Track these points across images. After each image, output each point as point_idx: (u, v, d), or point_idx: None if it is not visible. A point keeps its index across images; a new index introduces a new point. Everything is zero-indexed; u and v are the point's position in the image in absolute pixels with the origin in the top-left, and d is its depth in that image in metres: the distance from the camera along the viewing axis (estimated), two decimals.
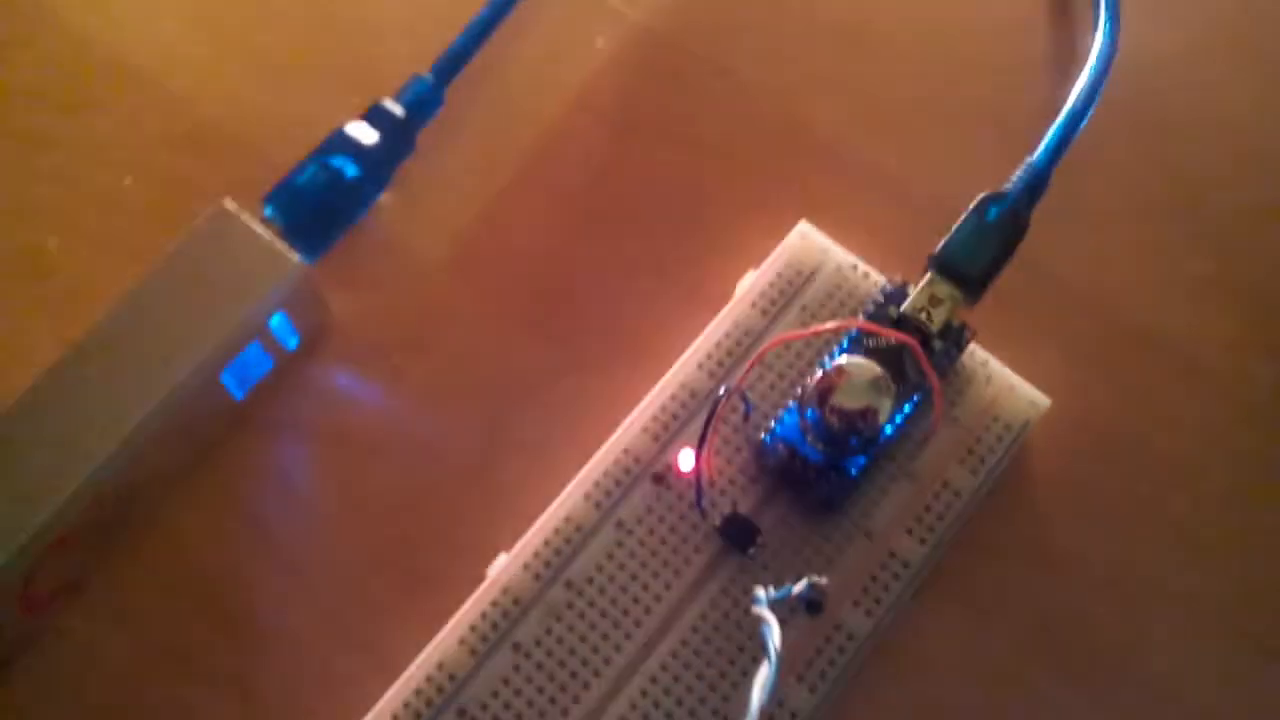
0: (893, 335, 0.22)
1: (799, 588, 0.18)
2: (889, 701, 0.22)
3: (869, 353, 0.22)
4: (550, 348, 0.25)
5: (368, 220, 0.25)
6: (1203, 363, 0.25)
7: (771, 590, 0.20)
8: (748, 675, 0.21)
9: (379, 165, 0.25)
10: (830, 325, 0.22)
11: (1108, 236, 0.26)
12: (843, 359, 0.21)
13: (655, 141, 0.27)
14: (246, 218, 0.23)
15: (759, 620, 0.18)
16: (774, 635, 0.16)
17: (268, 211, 0.23)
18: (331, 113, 0.25)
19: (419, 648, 0.21)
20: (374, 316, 0.25)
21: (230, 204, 0.23)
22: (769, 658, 0.15)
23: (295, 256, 0.22)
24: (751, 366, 0.22)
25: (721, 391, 0.21)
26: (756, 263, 0.24)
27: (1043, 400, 0.23)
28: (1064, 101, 0.25)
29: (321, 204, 0.24)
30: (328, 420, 0.24)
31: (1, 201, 0.25)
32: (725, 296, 0.24)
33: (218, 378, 0.22)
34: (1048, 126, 0.24)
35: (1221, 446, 0.24)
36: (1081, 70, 0.25)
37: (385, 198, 0.25)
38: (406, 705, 0.20)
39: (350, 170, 0.24)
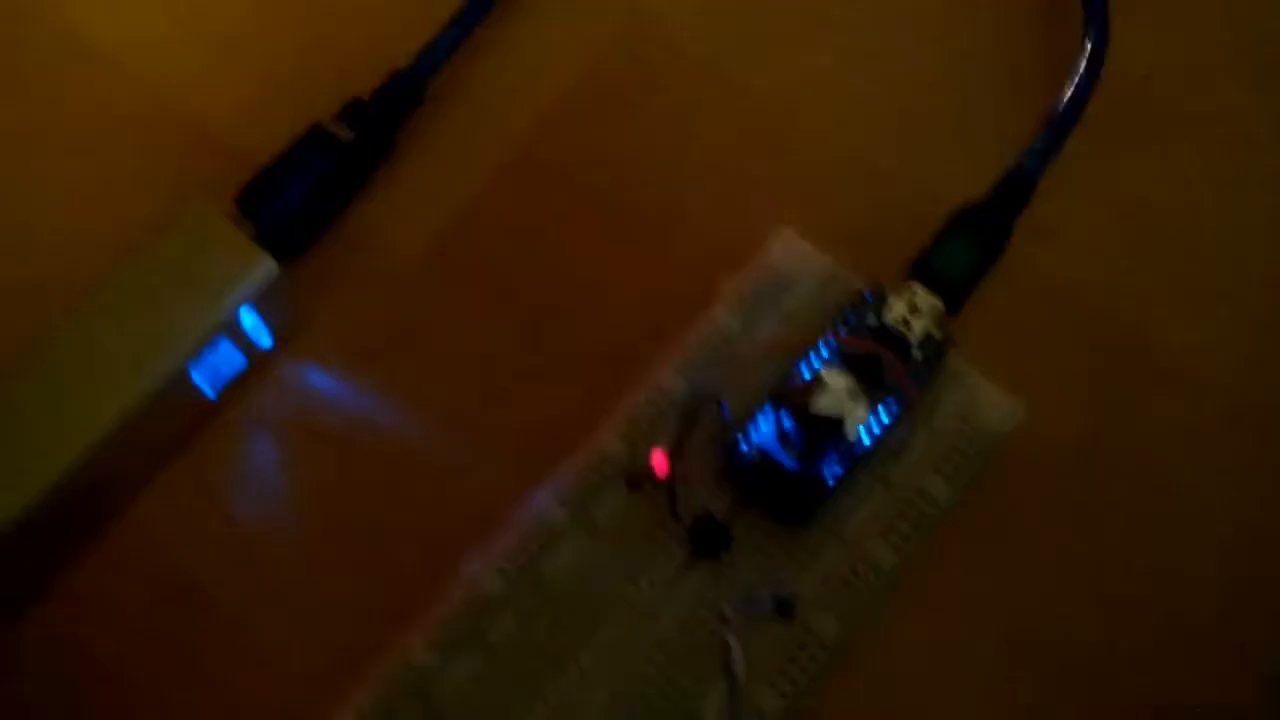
0: (870, 349, 0.22)
1: (766, 595, 0.18)
2: (860, 708, 0.22)
3: (847, 361, 0.22)
4: (527, 349, 0.24)
5: (345, 218, 0.25)
6: (1185, 372, 0.25)
7: (741, 597, 0.20)
8: (717, 681, 0.21)
9: (356, 163, 0.24)
10: (807, 338, 0.22)
11: (1090, 248, 0.26)
12: (820, 368, 0.21)
13: (638, 143, 0.26)
14: (218, 216, 0.22)
15: (723, 643, 0.18)
16: (738, 657, 0.16)
17: (240, 210, 0.23)
18: (307, 107, 0.25)
19: (389, 646, 0.21)
20: (350, 316, 0.25)
21: (201, 202, 0.22)
22: (731, 679, 0.15)
23: (267, 256, 0.22)
24: (729, 374, 0.22)
25: (698, 398, 0.21)
26: (736, 268, 0.24)
27: (1018, 410, 0.23)
28: (1052, 110, 0.24)
29: (296, 203, 0.23)
30: (302, 419, 0.24)
31: None
32: (705, 301, 0.24)
33: (189, 376, 0.22)
34: (1034, 135, 0.24)
35: (1203, 456, 0.24)
36: (1070, 79, 0.25)
37: (362, 196, 0.25)
38: (375, 703, 0.20)
39: (326, 168, 0.24)
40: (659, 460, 0.22)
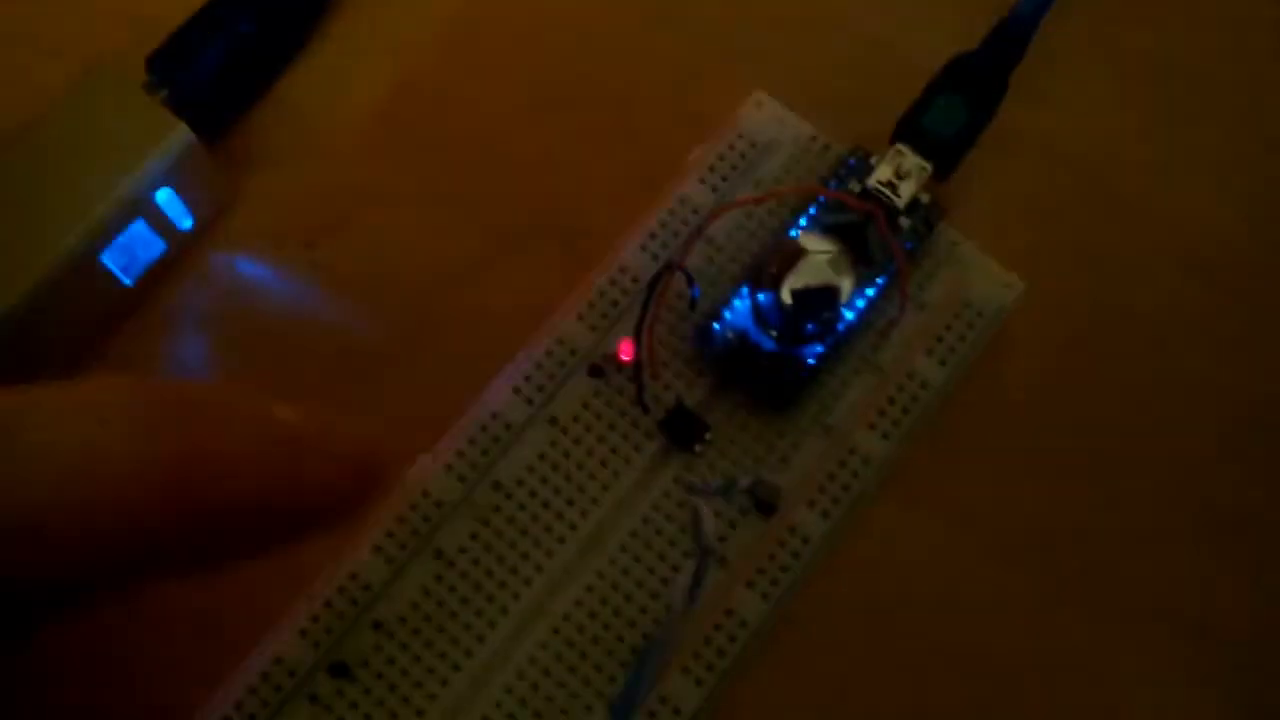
0: (856, 204, 0.19)
1: (744, 483, 0.16)
2: (846, 606, 0.20)
3: (828, 230, 0.20)
4: (478, 230, 0.22)
5: (274, 91, 0.23)
6: (1194, 248, 0.23)
7: (715, 482, 0.18)
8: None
9: (287, 23, 0.22)
10: (786, 189, 0.20)
11: (1089, 106, 0.24)
12: (798, 238, 0.19)
13: (601, 5, 0.24)
14: (128, 80, 0.20)
15: (693, 508, 0.16)
16: (708, 523, 0.14)
17: (151, 75, 0.21)
18: None
19: (331, 556, 0.19)
20: (282, 196, 0.22)
21: (106, 65, 0.20)
22: (698, 547, 0.13)
23: (181, 124, 0.20)
24: (696, 237, 0.20)
25: (662, 268, 0.19)
26: (705, 137, 0.22)
27: (1017, 284, 0.21)
28: None
29: (214, 66, 0.21)
30: (230, 308, 0.21)
31: None
32: (672, 174, 0.22)
33: (98, 259, 0.20)
34: None
35: (1210, 337, 0.22)
36: None
37: (293, 64, 0.23)
38: (316, 619, 0.18)
39: (248, 30, 0.21)
40: (626, 344, 0.20)
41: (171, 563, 0.12)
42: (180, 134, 0.20)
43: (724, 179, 0.21)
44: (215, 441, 0.12)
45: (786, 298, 0.19)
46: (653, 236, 0.21)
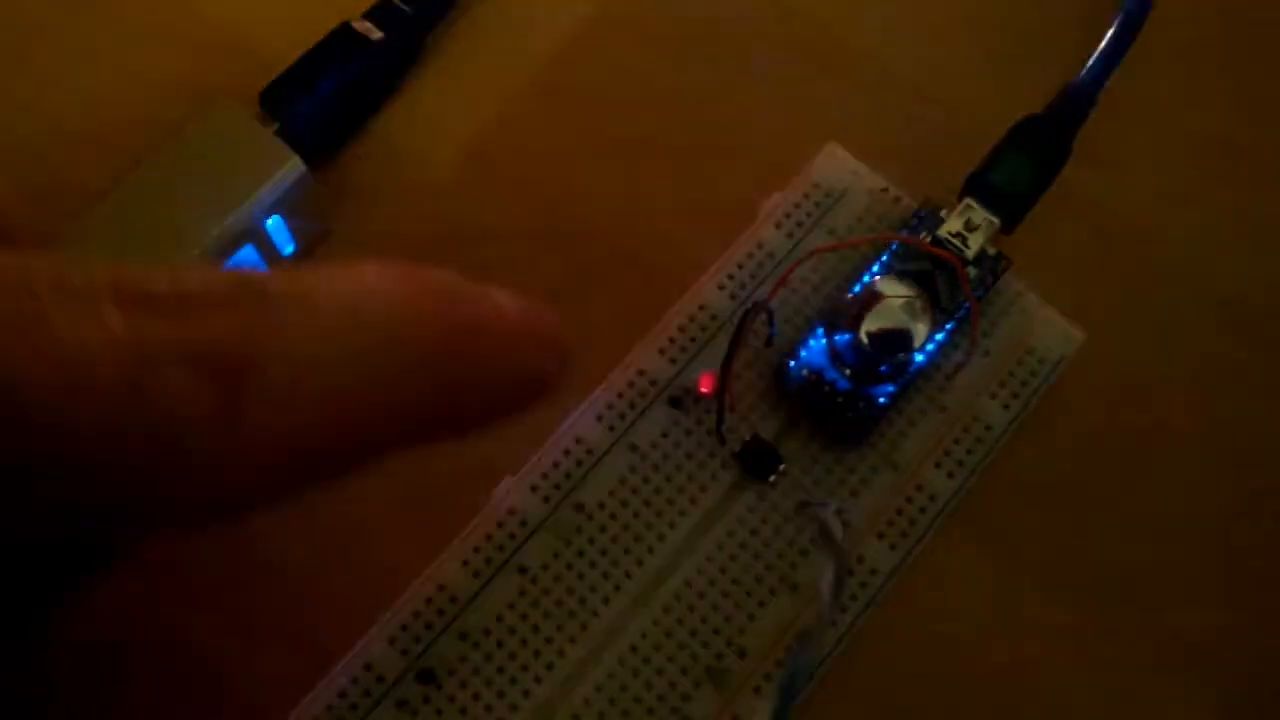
0: (935, 252, 0.20)
1: (829, 509, 0.17)
2: (908, 638, 0.21)
3: (901, 276, 0.21)
4: (563, 266, 0.23)
5: (371, 129, 0.24)
6: (1244, 307, 0.24)
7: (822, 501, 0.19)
8: (764, 605, 0.20)
9: (384, 67, 0.23)
10: (866, 238, 0.21)
11: (1152, 171, 0.25)
12: (877, 280, 0.20)
13: (680, 56, 0.25)
14: (244, 113, 0.21)
15: (817, 518, 0.17)
16: (836, 527, 0.15)
17: (264, 108, 0.22)
18: (333, 12, 0.24)
19: (419, 570, 0.20)
20: (376, 230, 0.23)
21: (227, 100, 0.21)
22: (833, 553, 0.14)
23: (294, 155, 0.21)
24: (782, 280, 0.21)
25: (749, 306, 0.20)
26: (781, 185, 0.23)
27: (1078, 335, 0.22)
28: (1109, 24, 0.23)
29: (321, 102, 0.22)
30: None
31: None
32: (747, 219, 0.23)
33: None
34: (1091, 50, 0.23)
35: (1263, 395, 0.23)
36: None
37: (390, 104, 0.24)
38: (405, 628, 0.19)
39: (354, 70, 0.23)
40: (706, 377, 0.21)
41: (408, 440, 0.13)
42: (293, 164, 0.21)
43: (799, 225, 0.23)
44: (471, 321, 0.13)
45: (864, 339, 0.20)
46: (730, 277, 0.22)
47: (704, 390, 0.21)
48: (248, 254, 0.21)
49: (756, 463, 0.21)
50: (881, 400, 0.21)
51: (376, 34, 0.23)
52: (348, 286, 0.12)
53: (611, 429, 0.21)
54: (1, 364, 0.10)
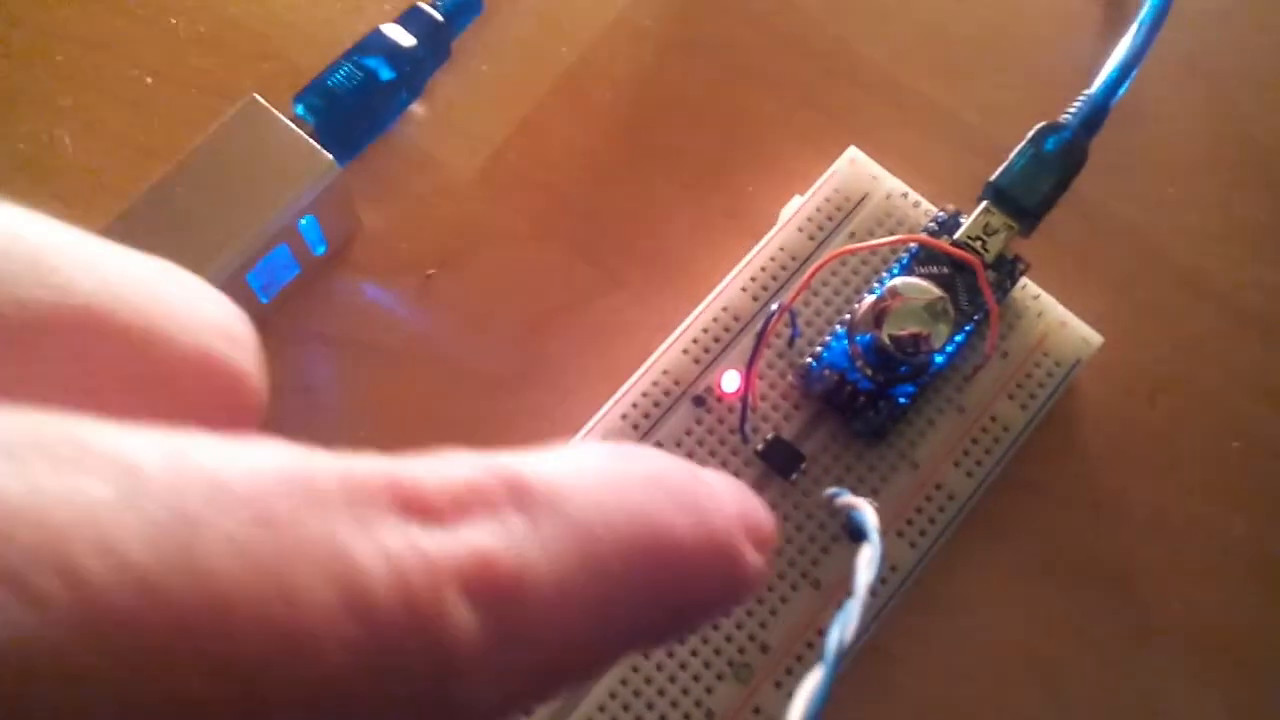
0: (957, 253, 0.21)
1: (859, 501, 0.17)
2: (926, 635, 0.22)
3: (921, 279, 0.21)
4: (586, 267, 0.24)
5: (399, 130, 0.24)
6: (1256, 311, 0.24)
7: (830, 490, 0.20)
8: (786, 601, 0.20)
9: (414, 70, 0.24)
10: (889, 240, 0.21)
11: (1165, 179, 0.25)
12: (899, 281, 0.21)
13: (701, 62, 0.26)
14: (279, 113, 0.22)
15: (847, 508, 0.17)
16: (870, 515, 0.15)
17: (298, 110, 0.22)
18: (362, 18, 0.24)
19: None
20: (404, 229, 0.24)
21: (261, 99, 0.22)
22: (870, 538, 0.15)
23: (328, 155, 0.21)
24: (806, 282, 0.21)
25: (774, 308, 0.20)
26: (802, 189, 0.24)
27: (1095, 338, 0.23)
28: (1123, 35, 0.24)
29: (353, 105, 0.23)
30: (354, 332, 0.23)
31: (17, 94, 0.24)
32: (768, 222, 0.23)
33: (244, 279, 0.21)
34: (1105, 61, 0.24)
35: (1272, 396, 0.24)
36: (1141, 6, 0.24)
37: (418, 107, 0.24)
38: None
39: (384, 73, 0.23)
40: (729, 378, 0.21)
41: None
42: (327, 166, 0.21)
43: (820, 228, 0.23)
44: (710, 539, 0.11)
45: (885, 340, 0.20)
46: (753, 279, 0.22)
47: (727, 390, 0.21)
48: (281, 253, 0.21)
49: (779, 461, 0.21)
50: (902, 400, 0.21)
51: (408, 39, 0.23)
52: (590, 482, 0.10)
53: (636, 427, 0.21)
54: (284, 590, 0.08)
